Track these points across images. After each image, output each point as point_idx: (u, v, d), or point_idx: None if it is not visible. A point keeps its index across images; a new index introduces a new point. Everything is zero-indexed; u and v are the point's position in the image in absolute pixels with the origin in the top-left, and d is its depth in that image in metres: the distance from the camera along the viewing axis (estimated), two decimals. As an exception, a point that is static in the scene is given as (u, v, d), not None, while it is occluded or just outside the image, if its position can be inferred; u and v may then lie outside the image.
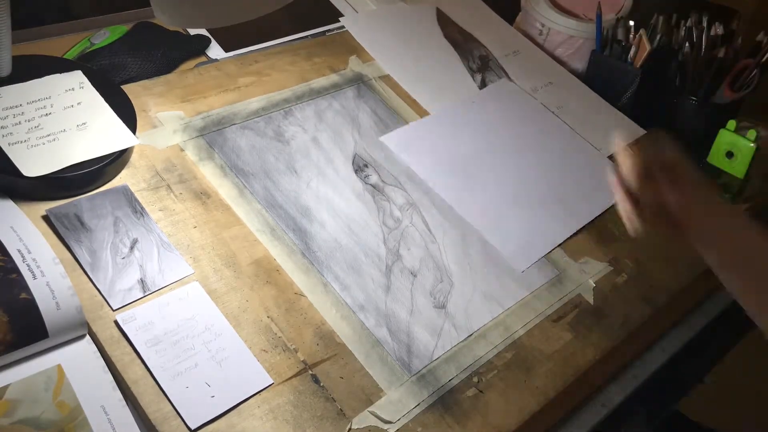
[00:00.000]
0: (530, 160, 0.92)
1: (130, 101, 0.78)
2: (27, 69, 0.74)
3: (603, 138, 1.01)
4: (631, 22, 1.06)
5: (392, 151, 0.86)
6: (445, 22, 1.09)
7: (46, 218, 0.67)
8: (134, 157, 0.75)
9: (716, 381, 0.81)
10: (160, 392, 0.59)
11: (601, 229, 0.87)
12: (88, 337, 0.61)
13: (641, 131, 1.04)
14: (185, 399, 0.58)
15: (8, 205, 0.66)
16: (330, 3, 1.08)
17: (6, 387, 0.56)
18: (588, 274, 0.81)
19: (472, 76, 1.02)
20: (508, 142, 0.93)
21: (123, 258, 0.66)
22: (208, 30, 0.96)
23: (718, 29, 1.00)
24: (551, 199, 0.87)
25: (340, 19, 1.03)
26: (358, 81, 0.94)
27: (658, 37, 1.03)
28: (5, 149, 0.67)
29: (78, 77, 0.77)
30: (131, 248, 0.67)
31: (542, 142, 0.96)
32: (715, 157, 0.97)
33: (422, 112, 0.94)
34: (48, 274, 0.59)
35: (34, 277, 0.59)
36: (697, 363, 0.83)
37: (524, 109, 1.00)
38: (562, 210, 0.87)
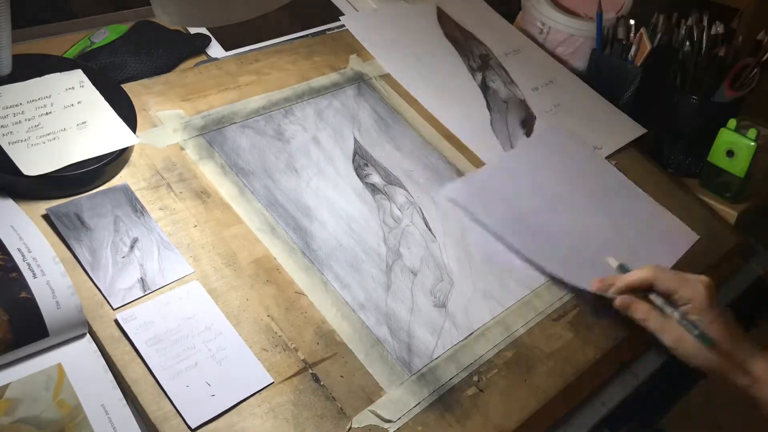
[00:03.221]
0: (588, 211, 0.88)
1: (130, 100, 0.77)
2: (27, 68, 0.74)
3: (603, 137, 1.01)
4: (632, 21, 1.06)
5: (461, 206, 0.83)
6: (445, 20, 1.09)
7: (46, 217, 0.67)
8: (134, 156, 0.75)
9: (704, 396, 0.81)
10: (161, 391, 0.59)
11: (601, 228, 0.87)
12: (88, 336, 0.61)
13: (642, 130, 1.04)
14: (185, 398, 0.58)
15: (8, 204, 0.66)
16: (330, 2, 1.08)
17: (6, 386, 0.56)
18: (588, 273, 0.81)
19: (473, 75, 1.02)
20: (565, 194, 0.89)
21: (123, 257, 0.66)
22: (208, 29, 0.96)
23: (718, 28, 1.00)
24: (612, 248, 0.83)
25: (340, 17, 1.03)
26: (359, 80, 0.94)
27: (658, 36, 1.03)
28: (5, 148, 0.67)
29: (78, 76, 0.76)
30: (131, 247, 0.67)
31: (599, 196, 0.92)
32: (716, 155, 0.97)
33: (422, 111, 0.94)
34: (48, 273, 0.59)
35: (35, 276, 0.59)
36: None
37: (580, 159, 0.96)
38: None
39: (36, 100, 0.72)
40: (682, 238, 0.89)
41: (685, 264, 0.86)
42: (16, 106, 0.71)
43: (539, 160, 0.94)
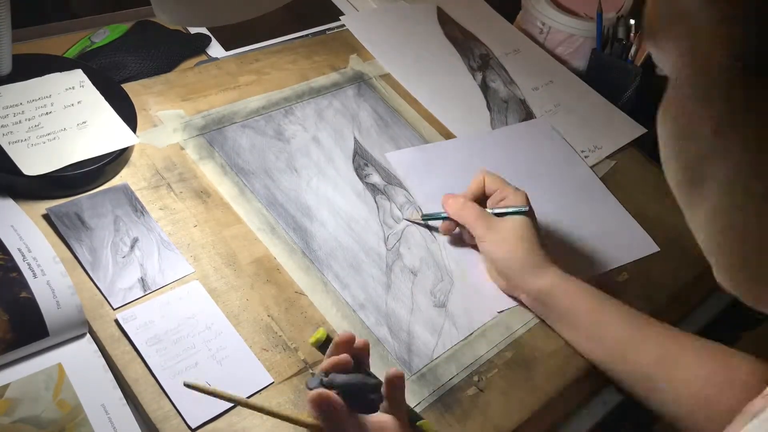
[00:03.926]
0: (541, 208, 0.84)
1: (130, 100, 0.77)
2: (27, 68, 0.74)
3: (603, 137, 1.01)
4: (632, 21, 1.06)
5: (394, 169, 0.85)
6: (445, 20, 1.09)
7: (46, 217, 0.67)
8: (134, 156, 0.75)
9: None
10: (161, 391, 0.59)
11: (601, 228, 0.87)
12: (88, 335, 0.61)
13: (642, 130, 1.04)
14: (185, 398, 0.58)
15: (8, 203, 0.66)
16: (330, 1, 1.08)
17: (6, 386, 0.56)
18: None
19: (473, 75, 1.02)
20: (520, 182, 0.85)
21: (123, 257, 0.66)
22: (208, 29, 0.96)
23: (718, 28, 1.00)
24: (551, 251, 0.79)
25: (340, 17, 1.03)
26: (359, 80, 0.94)
27: (658, 35, 1.03)
28: (5, 148, 0.67)
29: (78, 76, 0.76)
30: (131, 247, 0.67)
31: (561, 191, 0.90)
32: (716, 155, 0.97)
33: (422, 111, 0.94)
34: (48, 273, 0.59)
35: (35, 276, 0.59)
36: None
37: (552, 153, 0.95)
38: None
39: (36, 100, 0.72)
40: (641, 246, 0.87)
41: (684, 263, 0.86)
42: (16, 105, 0.71)
43: (510, 149, 0.93)
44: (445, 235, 0.79)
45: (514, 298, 0.75)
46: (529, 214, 0.75)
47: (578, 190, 0.92)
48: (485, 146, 0.92)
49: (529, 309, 0.74)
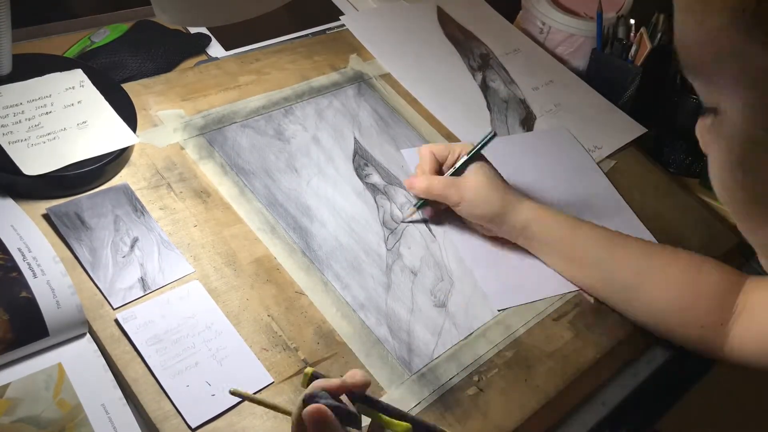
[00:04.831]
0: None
1: (130, 100, 0.77)
2: (27, 67, 0.74)
3: (603, 137, 1.01)
4: (632, 21, 1.06)
5: (408, 165, 0.86)
6: (445, 20, 1.09)
7: (46, 217, 0.67)
8: (134, 156, 0.75)
9: (699, 397, 0.82)
10: (161, 391, 0.59)
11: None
12: (88, 335, 0.61)
13: (642, 130, 1.04)
14: (186, 397, 0.58)
15: (8, 203, 0.66)
16: (330, 1, 1.08)
17: (6, 386, 0.56)
18: (588, 273, 0.81)
19: (473, 75, 1.02)
20: (536, 188, 0.87)
21: (123, 257, 0.66)
22: (208, 28, 0.96)
23: (718, 27, 1.00)
24: None
25: (340, 17, 1.03)
26: (359, 79, 0.94)
27: (658, 35, 1.03)
28: (5, 148, 0.67)
29: (78, 76, 0.76)
30: (132, 247, 0.67)
31: (578, 199, 0.90)
32: (716, 155, 0.97)
33: (423, 111, 0.94)
34: (48, 273, 0.59)
35: (35, 276, 0.59)
36: (693, 366, 0.83)
37: (571, 162, 0.95)
38: None
39: (36, 100, 0.72)
40: None
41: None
42: (16, 105, 0.71)
43: (529, 154, 0.93)
44: (431, 217, 0.80)
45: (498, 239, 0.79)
46: (481, 157, 0.78)
47: (595, 200, 0.91)
48: (504, 150, 0.91)
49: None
